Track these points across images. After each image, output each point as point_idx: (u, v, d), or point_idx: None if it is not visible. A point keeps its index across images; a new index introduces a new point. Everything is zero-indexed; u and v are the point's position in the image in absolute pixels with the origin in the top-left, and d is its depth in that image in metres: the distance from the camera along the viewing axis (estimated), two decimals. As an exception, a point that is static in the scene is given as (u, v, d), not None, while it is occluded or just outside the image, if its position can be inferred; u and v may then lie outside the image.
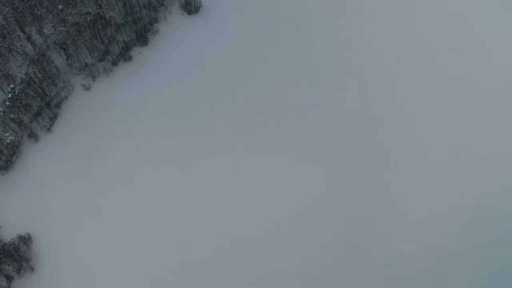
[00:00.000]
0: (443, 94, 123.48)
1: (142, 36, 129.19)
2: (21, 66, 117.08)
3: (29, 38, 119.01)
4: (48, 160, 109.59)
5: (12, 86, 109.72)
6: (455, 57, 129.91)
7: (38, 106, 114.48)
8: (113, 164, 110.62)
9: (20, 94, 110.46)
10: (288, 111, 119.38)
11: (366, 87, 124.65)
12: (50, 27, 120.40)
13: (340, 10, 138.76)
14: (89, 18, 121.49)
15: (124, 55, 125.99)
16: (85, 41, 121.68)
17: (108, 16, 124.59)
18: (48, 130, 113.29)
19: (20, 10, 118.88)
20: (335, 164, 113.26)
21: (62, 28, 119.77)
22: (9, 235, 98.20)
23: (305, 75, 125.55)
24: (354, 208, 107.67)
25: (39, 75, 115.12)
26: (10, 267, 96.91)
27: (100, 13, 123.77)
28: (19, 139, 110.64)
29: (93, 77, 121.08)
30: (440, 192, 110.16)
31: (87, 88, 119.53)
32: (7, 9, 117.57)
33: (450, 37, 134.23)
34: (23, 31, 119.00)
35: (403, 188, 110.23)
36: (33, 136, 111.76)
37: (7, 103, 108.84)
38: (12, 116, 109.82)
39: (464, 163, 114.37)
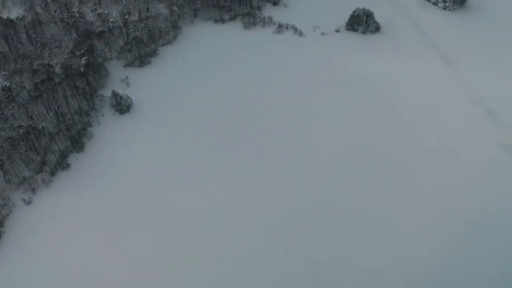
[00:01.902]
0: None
1: (78, 142, 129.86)
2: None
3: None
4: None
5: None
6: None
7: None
8: (62, 278, 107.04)
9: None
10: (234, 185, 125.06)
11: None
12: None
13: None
14: (21, 131, 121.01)
15: (62, 164, 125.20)
16: (20, 155, 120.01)
17: (40, 126, 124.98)
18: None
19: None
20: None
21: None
22: None
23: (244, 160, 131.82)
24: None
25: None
26: None
27: (32, 124, 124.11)
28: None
29: (33, 190, 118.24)
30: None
31: (27, 202, 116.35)
32: None
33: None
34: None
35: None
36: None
37: None
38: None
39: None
